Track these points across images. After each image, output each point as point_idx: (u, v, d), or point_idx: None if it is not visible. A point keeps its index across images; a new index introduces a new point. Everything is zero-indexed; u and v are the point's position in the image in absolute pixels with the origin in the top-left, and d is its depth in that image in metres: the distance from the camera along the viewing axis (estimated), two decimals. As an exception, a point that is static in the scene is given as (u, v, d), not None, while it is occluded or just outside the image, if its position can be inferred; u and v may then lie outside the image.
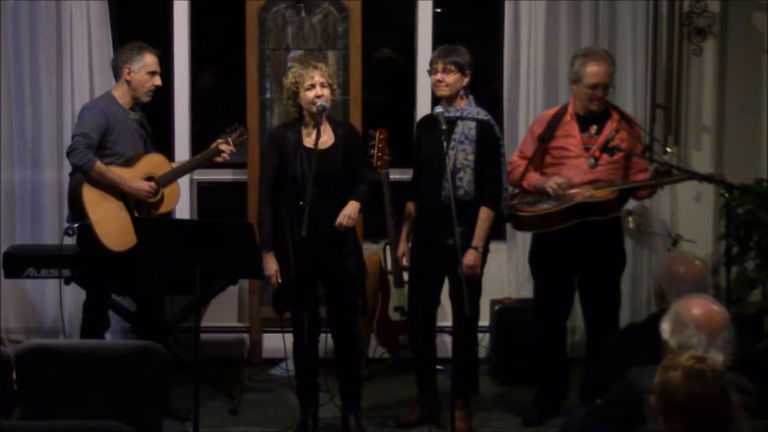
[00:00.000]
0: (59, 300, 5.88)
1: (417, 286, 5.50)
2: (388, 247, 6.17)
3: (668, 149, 6.32)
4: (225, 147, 5.54)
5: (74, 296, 6.08)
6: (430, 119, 5.36)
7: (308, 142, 5.10)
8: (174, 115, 6.52)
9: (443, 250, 5.18)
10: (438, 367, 5.74)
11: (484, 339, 6.12)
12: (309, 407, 5.13)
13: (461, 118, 5.30)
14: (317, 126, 5.03)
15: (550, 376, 5.65)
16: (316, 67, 5.13)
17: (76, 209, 5.31)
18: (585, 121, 5.50)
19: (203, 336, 5.75)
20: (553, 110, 5.67)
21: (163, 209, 5.45)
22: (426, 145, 5.39)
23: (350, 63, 6.41)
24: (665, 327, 3.44)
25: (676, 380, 2.92)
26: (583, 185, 5.40)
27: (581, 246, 5.41)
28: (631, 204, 6.12)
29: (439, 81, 5.30)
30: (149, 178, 5.39)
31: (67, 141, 5.55)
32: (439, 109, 5.26)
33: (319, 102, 5.05)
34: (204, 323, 6.04)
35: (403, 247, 5.54)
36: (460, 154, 5.26)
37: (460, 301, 5.03)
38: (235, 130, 5.63)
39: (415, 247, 5.47)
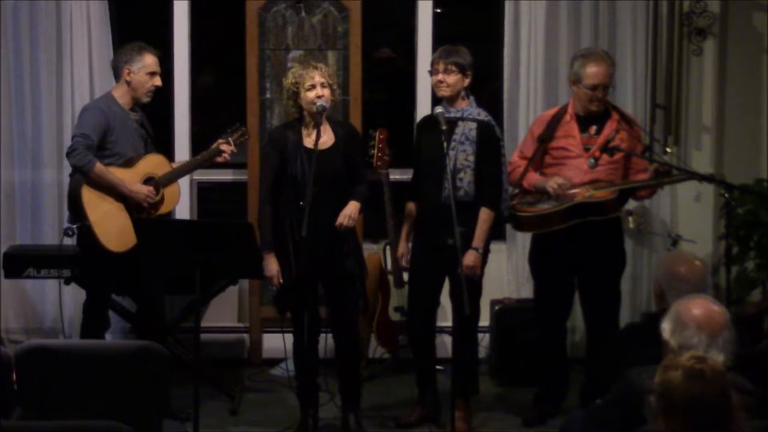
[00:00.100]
0: (59, 300, 5.89)
1: (417, 287, 5.50)
2: (388, 247, 6.17)
3: (668, 149, 6.32)
4: (226, 147, 5.54)
5: (74, 296, 6.08)
6: (431, 119, 5.36)
7: (308, 142, 5.10)
8: (174, 115, 6.52)
9: (443, 250, 5.18)
10: (438, 367, 5.74)
11: (484, 339, 6.12)
12: (309, 407, 5.13)
13: (462, 118, 5.30)
14: (317, 126, 5.03)
15: (550, 376, 5.65)
16: (316, 68, 5.13)
17: (76, 210, 5.31)
18: (585, 121, 5.50)
19: (203, 336, 5.75)
20: (552, 110, 5.67)
21: (163, 210, 5.44)
22: (426, 145, 5.39)
23: (350, 63, 6.41)
24: (666, 327, 3.44)
25: (676, 380, 2.92)
26: (583, 185, 5.40)
27: (581, 246, 5.41)
28: (631, 204, 6.13)
29: (440, 81, 5.30)
30: (149, 179, 5.39)
31: (67, 141, 5.55)
32: (439, 109, 5.26)
33: (319, 102, 5.05)
34: (204, 323, 6.04)
35: (403, 247, 5.54)
36: (461, 154, 5.26)
37: (460, 301, 5.03)
38: (236, 130, 5.63)
39: (415, 247, 5.47)
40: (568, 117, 5.51)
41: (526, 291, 6.27)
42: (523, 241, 6.28)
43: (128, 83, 5.41)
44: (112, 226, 5.27)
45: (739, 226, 6.22)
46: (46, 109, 6.29)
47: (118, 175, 5.31)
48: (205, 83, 7.03)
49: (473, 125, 5.29)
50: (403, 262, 5.58)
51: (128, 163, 5.37)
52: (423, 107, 6.50)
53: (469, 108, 5.33)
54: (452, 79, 5.28)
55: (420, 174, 5.45)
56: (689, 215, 6.59)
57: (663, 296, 4.04)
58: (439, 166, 5.14)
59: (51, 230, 6.25)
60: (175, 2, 6.47)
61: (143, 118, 5.52)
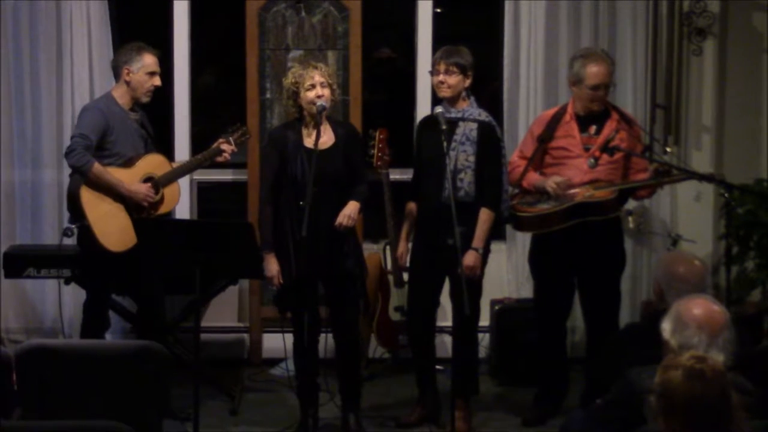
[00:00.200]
0: (59, 300, 5.88)
1: (417, 287, 5.50)
2: (388, 247, 6.17)
3: (668, 149, 6.32)
4: (227, 147, 5.53)
5: (74, 296, 6.08)
6: (431, 119, 5.36)
7: (308, 142, 5.10)
8: (174, 115, 6.52)
9: (443, 250, 5.18)
10: (438, 367, 5.74)
11: (484, 339, 6.12)
12: (309, 407, 5.13)
13: (463, 119, 5.30)
14: (317, 126, 5.03)
15: (550, 376, 5.65)
16: (316, 67, 5.13)
17: (75, 210, 5.31)
18: (584, 121, 5.50)
19: (203, 336, 5.74)
20: (552, 110, 5.67)
21: (163, 209, 5.44)
22: (426, 145, 5.39)
23: (350, 63, 6.41)
24: (666, 327, 3.44)
25: (676, 380, 2.92)
26: (582, 185, 5.40)
27: (581, 246, 5.41)
28: (631, 204, 6.13)
29: (441, 82, 5.30)
30: (149, 179, 5.39)
31: (67, 141, 5.54)
32: (439, 109, 5.26)
33: (319, 102, 5.05)
34: (204, 323, 6.04)
35: (403, 247, 5.54)
36: (461, 155, 5.26)
37: (460, 301, 5.03)
38: (237, 129, 5.63)
39: (416, 247, 5.47)
40: (567, 117, 5.51)
41: (526, 291, 6.27)
42: (523, 241, 6.28)
43: (127, 83, 5.41)
44: (111, 226, 5.27)
45: (739, 226, 6.22)
46: (46, 109, 6.29)
47: (117, 175, 5.31)
48: (205, 83, 7.03)
49: (474, 126, 5.29)
50: (403, 262, 5.58)
51: (128, 163, 5.37)
52: (423, 107, 6.50)
53: (469, 108, 5.33)
54: (453, 80, 5.28)
55: (420, 174, 5.45)
56: (689, 215, 6.59)
57: (662, 296, 4.04)
58: (440, 166, 5.14)
59: (51, 230, 6.25)
60: (175, 2, 6.47)
61: (143, 117, 5.52)
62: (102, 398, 3.82)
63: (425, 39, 6.56)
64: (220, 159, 5.55)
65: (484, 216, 5.26)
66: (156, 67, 5.44)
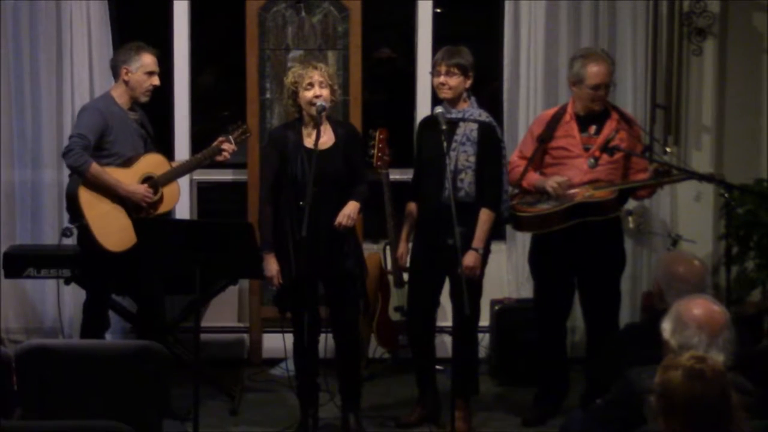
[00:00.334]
0: (58, 300, 5.88)
1: (417, 287, 5.50)
2: (388, 247, 6.17)
3: (668, 149, 6.32)
4: (227, 146, 5.53)
5: (74, 296, 6.08)
6: (431, 120, 5.36)
7: (308, 142, 5.10)
8: (174, 115, 6.52)
9: (443, 250, 5.18)
10: (438, 367, 5.74)
11: (484, 339, 6.12)
12: (309, 407, 5.13)
13: (463, 119, 5.30)
14: (317, 126, 5.03)
15: (550, 376, 5.65)
16: (315, 68, 5.13)
17: (74, 210, 5.31)
18: (584, 121, 5.50)
19: (203, 336, 5.75)
20: (552, 110, 5.67)
21: (162, 209, 5.44)
22: (427, 145, 5.38)
23: (350, 63, 6.41)
24: (666, 327, 3.44)
25: (676, 380, 2.92)
26: (582, 185, 5.40)
27: (581, 246, 5.41)
28: (631, 204, 6.13)
29: (443, 84, 5.29)
30: (148, 178, 5.39)
31: (67, 141, 5.54)
32: (439, 109, 5.26)
33: (318, 102, 5.05)
34: (204, 323, 6.04)
35: (403, 247, 5.54)
36: (462, 155, 5.25)
37: (460, 301, 5.03)
38: (238, 128, 5.63)
39: (416, 247, 5.47)
40: (567, 117, 5.51)
41: (526, 291, 6.27)
42: (523, 241, 6.28)
43: (126, 83, 5.41)
44: (110, 226, 5.27)
45: (739, 226, 6.22)
46: (46, 109, 6.29)
47: (116, 175, 5.30)
48: (205, 83, 7.03)
49: (474, 126, 5.29)
50: (403, 263, 5.58)
51: (127, 162, 5.37)
52: (423, 107, 6.50)
53: (470, 109, 5.33)
54: (454, 81, 5.27)
55: (420, 174, 5.45)
56: (689, 215, 6.60)
57: (662, 296, 4.04)
58: (440, 167, 5.14)
59: (51, 230, 6.25)
60: (175, 2, 6.47)
61: (143, 117, 5.52)
62: (102, 398, 3.82)
63: (425, 39, 6.56)
64: (219, 158, 5.54)
65: (485, 216, 5.26)
66: (155, 67, 5.43)
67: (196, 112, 6.63)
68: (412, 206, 5.47)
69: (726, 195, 5.57)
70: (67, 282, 5.78)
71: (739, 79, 6.66)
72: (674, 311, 3.46)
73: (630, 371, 3.48)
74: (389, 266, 6.25)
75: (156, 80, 5.44)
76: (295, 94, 5.12)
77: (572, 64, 5.51)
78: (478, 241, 5.24)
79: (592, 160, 5.38)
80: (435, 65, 5.34)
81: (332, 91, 5.14)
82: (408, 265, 5.59)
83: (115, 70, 5.46)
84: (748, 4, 6.64)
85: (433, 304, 5.50)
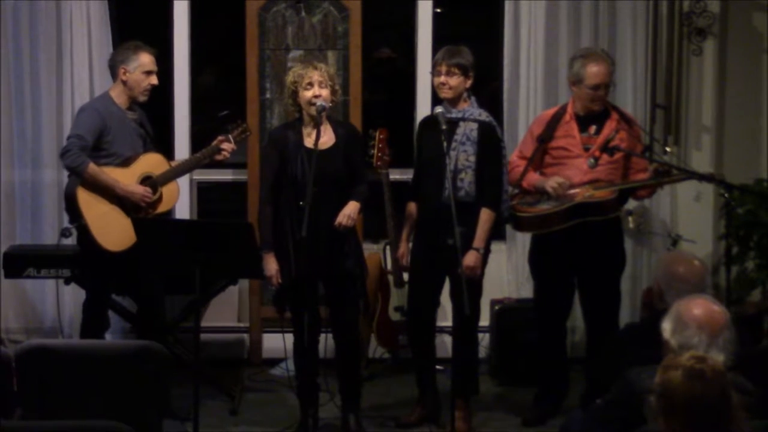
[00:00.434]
0: (58, 300, 5.88)
1: (417, 287, 5.50)
2: (388, 247, 6.17)
3: (668, 149, 6.32)
4: (226, 145, 5.53)
5: (74, 296, 6.08)
6: (431, 120, 5.36)
7: (309, 142, 5.10)
8: (174, 115, 6.52)
9: (443, 250, 5.18)
10: (438, 367, 5.74)
11: (484, 339, 6.12)
12: (309, 407, 5.13)
13: (463, 119, 5.30)
14: (317, 126, 5.03)
15: (550, 376, 5.65)
16: (316, 67, 5.13)
17: (72, 210, 5.31)
18: (584, 121, 5.50)
19: (203, 336, 5.75)
20: (552, 110, 5.67)
21: (162, 208, 5.44)
22: (427, 145, 5.38)
23: (350, 63, 6.41)
24: (666, 327, 3.44)
25: (676, 380, 2.92)
26: (582, 185, 5.40)
27: (581, 246, 5.41)
28: (631, 204, 6.13)
29: (443, 84, 5.29)
30: (147, 178, 5.39)
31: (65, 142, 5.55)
32: (439, 109, 5.26)
33: (318, 102, 5.05)
34: (204, 323, 6.04)
35: (403, 247, 5.54)
36: (462, 155, 5.25)
37: (460, 301, 5.03)
38: (237, 126, 5.62)
39: (416, 247, 5.46)
40: (567, 117, 5.51)
41: (526, 291, 6.27)
42: (523, 241, 6.28)
43: (124, 83, 5.40)
44: (109, 226, 5.27)
45: (739, 226, 6.22)
46: (46, 109, 6.29)
47: (114, 175, 5.30)
48: (205, 83, 7.03)
49: (474, 126, 5.29)
50: (404, 262, 5.58)
51: (125, 162, 5.36)
52: (423, 107, 6.50)
53: (470, 108, 5.33)
54: (455, 81, 5.27)
55: (420, 174, 5.45)
56: (689, 215, 6.59)
57: (662, 296, 4.05)
58: (440, 167, 5.14)
59: (51, 230, 6.25)
60: (175, 2, 6.47)
61: (142, 117, 5.52)
62: (102, 398, 3.83)
63: (425, 39, 6.56)
64: (219, 157, 5.54)
65: (485, 216, 5.26)
66: (153, 66, 5.43)
67: (196, 112, 6.63)
68: (412, 206, 5.47)
69: (726, 195, 5.57)
70: (67, 282, 5.78)
71: (739, 79, 6.67)
72: (674, 311, 3.46)
73: (630, 371, 3.48)
74: (389, 266, 6.25)
75: (154, 80, 5.44)
76: (295, 94, 5.12)
77: (572, 64, 5.51)
78: (478, 240, 5.24)
79: (592, 160, 5.38)
80: (435, 65, 5.34)
81: (333, 91, 5.14)
82: (408, 264, 5.59)
83: (113, 70, 5.45)
84: (748, 4, 6.64)
85: (433, 304, 5.50)
